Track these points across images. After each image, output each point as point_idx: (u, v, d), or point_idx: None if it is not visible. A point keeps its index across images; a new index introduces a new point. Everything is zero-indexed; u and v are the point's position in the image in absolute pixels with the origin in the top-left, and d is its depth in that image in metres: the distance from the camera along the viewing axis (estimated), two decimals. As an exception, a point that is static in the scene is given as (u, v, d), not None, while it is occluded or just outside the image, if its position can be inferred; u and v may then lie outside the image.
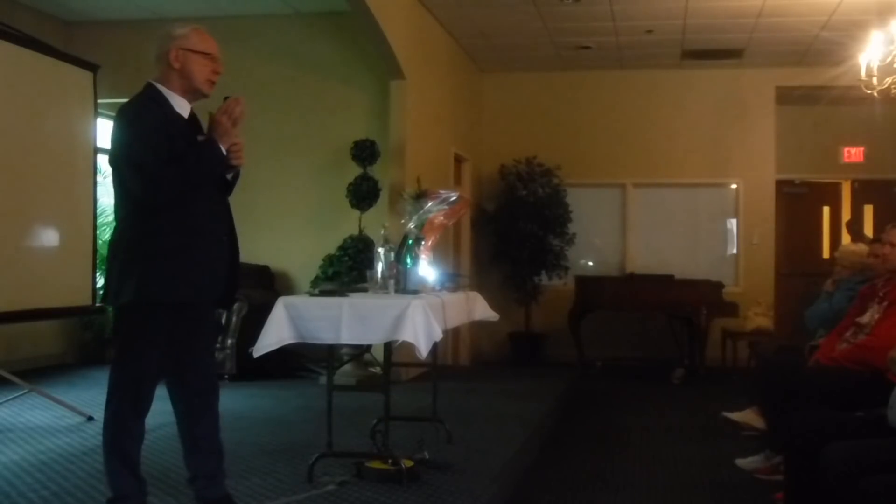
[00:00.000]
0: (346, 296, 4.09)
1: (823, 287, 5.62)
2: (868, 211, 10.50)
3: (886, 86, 6.21)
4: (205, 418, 3.40)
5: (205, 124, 3.28)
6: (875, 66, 6.19)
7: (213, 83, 3.26)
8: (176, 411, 3.41)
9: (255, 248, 8.17)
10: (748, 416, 5.56)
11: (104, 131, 8.35)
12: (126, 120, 3.16)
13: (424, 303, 3.91)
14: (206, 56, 3.23)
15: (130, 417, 3.25)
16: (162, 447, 4.78)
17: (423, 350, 3.81)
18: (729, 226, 10.08)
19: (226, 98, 3.22)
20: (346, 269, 7.26)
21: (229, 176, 3.35)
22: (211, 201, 3.28)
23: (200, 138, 3.24)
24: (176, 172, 3.10)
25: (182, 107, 3.25)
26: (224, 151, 3.19)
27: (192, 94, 3.26)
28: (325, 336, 3.97)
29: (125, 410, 3.24)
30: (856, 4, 7.42)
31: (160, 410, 6.22)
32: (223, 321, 7.46)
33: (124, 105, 3.23)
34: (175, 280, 3.17)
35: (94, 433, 5.16)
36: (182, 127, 3.22)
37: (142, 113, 3.15)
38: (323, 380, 5.64)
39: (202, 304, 3.31)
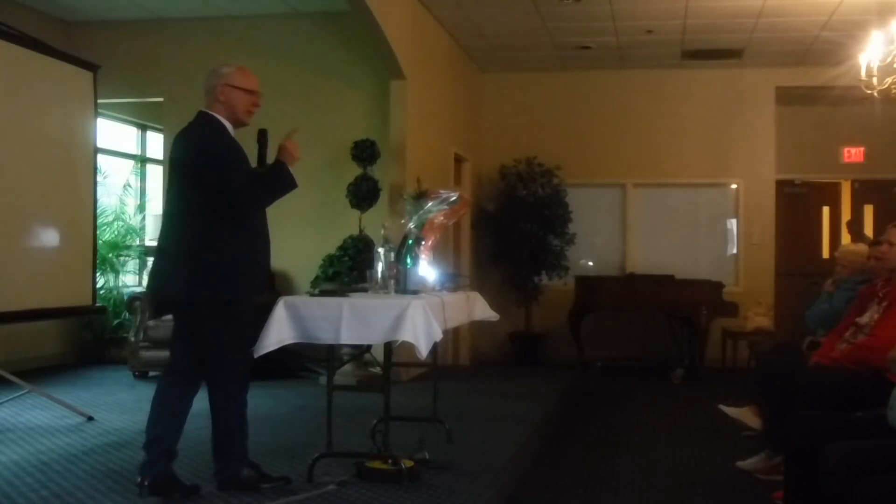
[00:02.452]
0: (346, 296, 4.09)
1: (823, 287, 5.62)
2: (868, 211, 10.50)
3: (886, 86, 6.20)
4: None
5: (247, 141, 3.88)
6: (875, 66, 6.19)
7: (252, 114, 3.85)
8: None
9: (255, 248, 8.16)
10: (744, 414, 5.55)
11: (104, 131, 8.38)
12: (207, 145, 3.71)
13: (424, 303, 3.91)
14: (247, 92, 3.81)
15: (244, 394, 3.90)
16: (162, 447, 4.79)
17: (423, 350, 3.81)
18: (729, 226, 10.08)
19: (261, 130, 3.86)
20: (346, 269, 7.26)
21: None
22: (262, 214, 3.94)
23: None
24: (262, 191, 3.79)
25: (232, 132, 3.83)
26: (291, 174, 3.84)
27: (234, 122, 3.82)
28: (325, 336, 3.97)
29: (244, 390, 3.88)
30: (856, 4, 7.42)
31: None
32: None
33: (193, 129, 3.78)
34: (247, 278, 3.79)
35: (94, 433, 5.17)
36: (241, 149, 3.82)
37: (218, 139, 3.74)
38: (323, 380, 5.64)
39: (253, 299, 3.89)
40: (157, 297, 4.13)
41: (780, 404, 4.31)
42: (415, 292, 4.22)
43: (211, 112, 3.79)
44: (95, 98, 6.51)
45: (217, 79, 3.79)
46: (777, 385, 4.56)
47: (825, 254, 10.31)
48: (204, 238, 3.70)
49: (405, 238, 4.54)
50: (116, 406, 6.12)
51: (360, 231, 7.57)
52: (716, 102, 9.87)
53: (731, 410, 5.63)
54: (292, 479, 4.01)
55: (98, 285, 7.55)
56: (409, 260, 4.45)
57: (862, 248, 5.61)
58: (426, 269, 4.57)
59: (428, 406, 5.02)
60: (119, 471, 4.25)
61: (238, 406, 3.88)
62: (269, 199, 3.86)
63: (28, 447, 4.76)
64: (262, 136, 3.87)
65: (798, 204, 10.51)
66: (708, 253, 10.05)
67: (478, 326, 7.84)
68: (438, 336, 3.88)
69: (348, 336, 3.96)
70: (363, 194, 7.54)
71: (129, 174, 9.69)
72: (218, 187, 3.66)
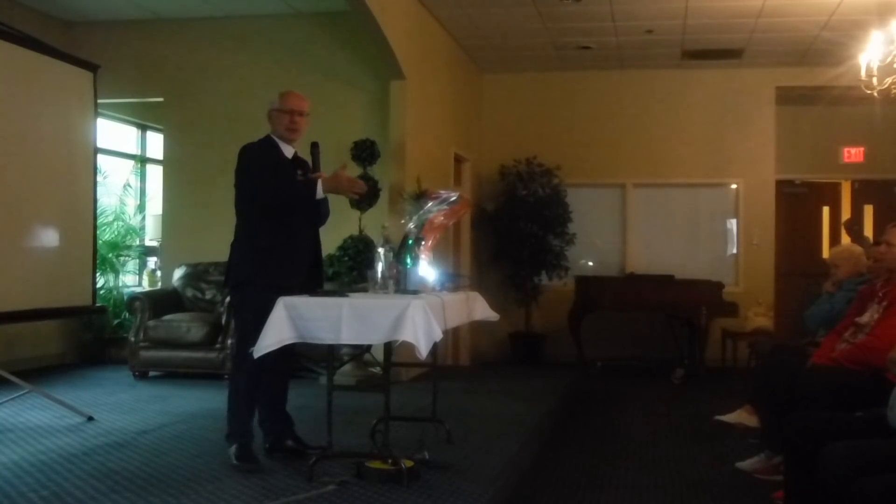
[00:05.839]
0: (346, 296, 4.09)
1: (824, 287, 5.62)
2: (868, 211, 10.49)
3: (886, 86, 6.20)
4: (287, 380, 4.62)
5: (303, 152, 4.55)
6: (875, 66, 6.19)
7: (293, 131, 4.38)
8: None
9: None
10: (741, 416, 5.56)
11: (104, 131, 8.39)
12: (248, 157, 4.32)
13: (424, 303, 3.91)
14: (284, 112, 4.34)
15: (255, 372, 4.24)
16: (163, 447, 4.79)
17: (423, 350, 3.80)
18: (729, 226, 10.08)
19: (312, 143, 4.44)
20: (346, 270, 7.25)
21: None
22: (305, 219, 4.42)
23: (300, 172, 4.42)
24: (285, 192, 4.28)
25: (287, 150, 4.42)
26: (319, 193, 4.31)
27: (284, 141, 4.41)
28: (325, 336, 3.97)
29: (242, 373, 4.31)
30: (856, 4, 7.42)
31: (160, 411, 6.22)
32: (223, 321, 7.46)
33: (247, 144, 4.37)
34: (275, 267, 4.24)
35: (94, 433, 5.17)
36: (287, 165, 4.39)
37: (259, 154, 4.33)
38: (323, 380, 5.64)
39: (293, 287, 4.15)
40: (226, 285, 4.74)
41: (780, 404, 4.31)
42: (415, 292, 4.22)
43: (271, 135, 4.41)
44: (95, 98, 6.51)
45: (270, 105, 4.40)
46: (777, 385, 4.56)
47: (825, 254, 10.28)
48: (243, 232, 4.36)
49: (405, 238, 4.54)
50: (116, 406, 6.12)
51: (360, 231, 7.57)
52: (716, 102, 9.88)
53: (728, 417, 5.63)
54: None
55: (98, 285, 7.55)
56: (409, 260, 4.46)
57: (854, 248, 5.62)
58: (426, 269, 4.57)
59: (428, 406, 5.02)
60: (119, 471, 4.25)
61: (233, 387, 4.39)
62: (287, 199, 4.30)
63: (28, 447, 4.75)
64: (314, 148, 4.43)
65: (798, 204, 10.51)
66: (708, 253, 10.05)
67: (478, 326, 7.84)
68: (438, 336, 3.87)
69: (348, 336, 3.96)
70: (363, 194, 7.52)
71: (129, 174, 9.70)
72: (244, 185, 4.31)
